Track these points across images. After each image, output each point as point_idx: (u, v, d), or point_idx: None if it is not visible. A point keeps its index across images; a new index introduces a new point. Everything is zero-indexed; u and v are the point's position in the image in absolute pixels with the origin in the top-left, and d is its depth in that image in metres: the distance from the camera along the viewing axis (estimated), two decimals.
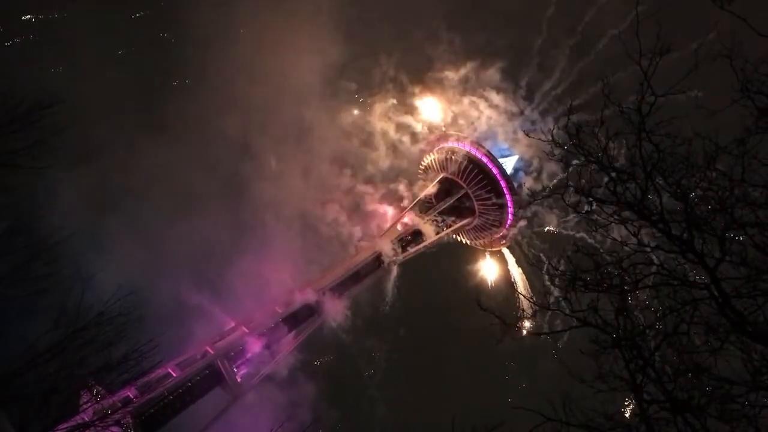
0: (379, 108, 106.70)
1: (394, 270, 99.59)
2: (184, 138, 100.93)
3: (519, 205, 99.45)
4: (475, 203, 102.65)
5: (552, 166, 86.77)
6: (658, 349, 22.86)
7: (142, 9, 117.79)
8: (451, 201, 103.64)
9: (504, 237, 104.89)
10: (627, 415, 24.10)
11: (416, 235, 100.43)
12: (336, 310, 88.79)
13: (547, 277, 25.99)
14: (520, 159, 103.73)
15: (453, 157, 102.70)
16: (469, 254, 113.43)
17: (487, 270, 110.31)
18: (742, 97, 21.20)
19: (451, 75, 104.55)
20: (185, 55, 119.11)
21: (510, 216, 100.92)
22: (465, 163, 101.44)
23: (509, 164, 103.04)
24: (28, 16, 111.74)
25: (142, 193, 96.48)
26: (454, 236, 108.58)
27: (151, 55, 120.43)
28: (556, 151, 25.83)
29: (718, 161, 21.96)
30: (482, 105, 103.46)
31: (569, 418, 22.96)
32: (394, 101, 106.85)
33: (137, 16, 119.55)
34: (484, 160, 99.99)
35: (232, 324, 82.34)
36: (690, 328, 22.45)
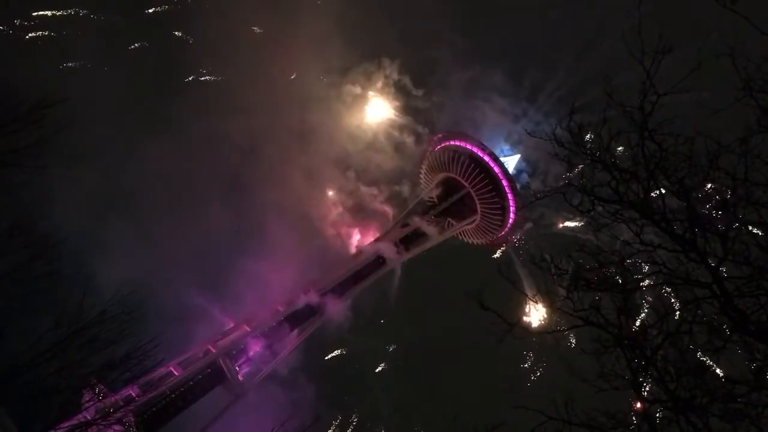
0: (382, 110, 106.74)
1: (398, 270, 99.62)
2: (188, 138, 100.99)
3: (521, 204, 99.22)
4: (477, 202, 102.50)
5: (556, 168, 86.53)
6: (660, 349, 22.81)
7: (158, 4, 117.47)
8: (453, 200, 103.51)
9: (506, 236, 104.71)
10: (629, 414, 24.04)
11: (418, 235, 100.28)
12: (337, 310, 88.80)
13: (551, 277, 25.78)
14: (522, 159, 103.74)
15: (455, 156, 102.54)
16: (472, 254, 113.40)
17: (491, 269, 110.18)
18: (745, 96, 21.11)
19: (455, 76, 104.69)
20: (192, 56, 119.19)
21: (512, 215, 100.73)
22: (467, 162, 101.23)
23: (511, 164, 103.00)
24: (42, 12, 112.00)
25: (145, 192, 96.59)
26: (457, 235, 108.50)
27: (161, 53, 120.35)
28: (559, 151, 25.73)
29: (721, 160, 21.87)
30: (485, 105, 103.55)
31: (571, 417, 22.94)
32: (398, 103, 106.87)
33: (150, 12, 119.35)
34: (486, 158, 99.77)
35: (235, 323, 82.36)
36: (692, 327, 22.39)
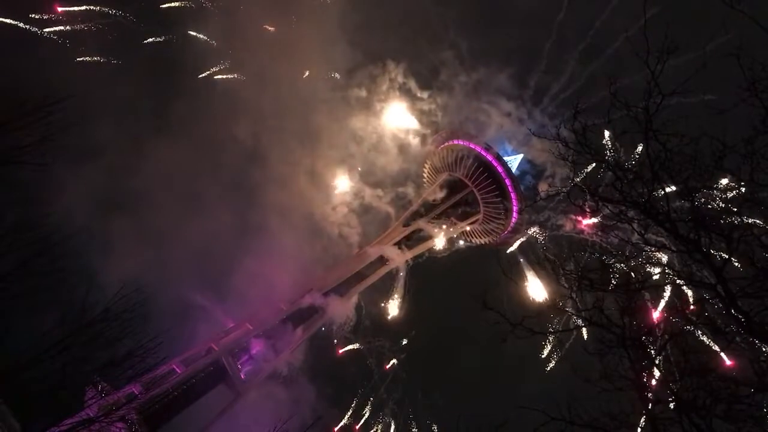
0: (386, 112, 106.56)
1: (401, 270, 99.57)
2: (193, 139, 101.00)
3: (524, 203, 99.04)
4: (480, 202, 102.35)
5: (561, 169, 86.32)
6: (663, 349, 22.79)
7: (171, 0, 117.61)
8: (455, 200, 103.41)
9: (510, 236, 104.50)
10: (632, 414, 24.00)
11: (421, 234, 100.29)
12: (340, 309, 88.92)
13: (557, 277, 25.81)
14: (527, 160, 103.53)
15: (457, 155, 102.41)
16: (476, 254, 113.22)
17: (497, 270, 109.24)
18: (750, 96, 21.04)
19: (459, 77, 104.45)
20: (204, 53, 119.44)
21: (515, 214, 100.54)
22: (470, 161, 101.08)
23: (514, 163, 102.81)
24: (60, 7, 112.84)
25: (149, 191, 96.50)
26: (461, 235, 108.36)
27: (175, 50, 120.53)
28: (564, 151, 25.66)
29: (726, 160, 21.80)
30: (489, 106, 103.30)
31: (574, 418, 22.91)
32: (403, 105, 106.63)
33: (164, 8, 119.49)
34: (489, 157, 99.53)
35: (237, 321, 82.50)
36: (696, 328, 22.38)
